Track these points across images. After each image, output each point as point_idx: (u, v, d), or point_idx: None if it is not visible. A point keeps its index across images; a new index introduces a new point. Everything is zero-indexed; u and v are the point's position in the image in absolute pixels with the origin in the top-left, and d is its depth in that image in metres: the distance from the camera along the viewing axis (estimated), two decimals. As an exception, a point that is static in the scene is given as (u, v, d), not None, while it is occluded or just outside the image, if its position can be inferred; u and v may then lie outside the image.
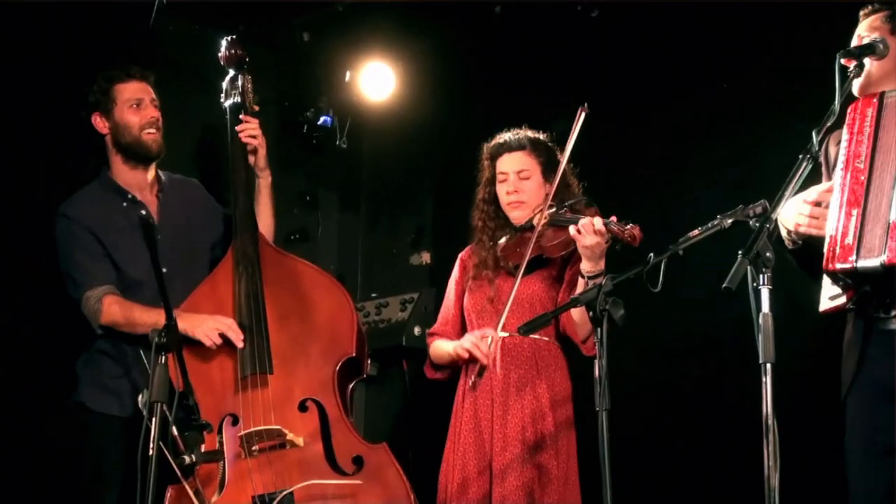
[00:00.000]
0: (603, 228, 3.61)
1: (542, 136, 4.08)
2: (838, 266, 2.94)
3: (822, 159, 3.18)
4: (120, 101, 4.10)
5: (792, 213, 3.08)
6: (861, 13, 3.29)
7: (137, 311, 3.89)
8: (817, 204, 3.06)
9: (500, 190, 4.04)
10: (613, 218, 3.65)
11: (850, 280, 2.97)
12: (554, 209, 3.89)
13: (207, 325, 3.86)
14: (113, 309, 3.91)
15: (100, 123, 4.13)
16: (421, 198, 5.83)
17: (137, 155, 4.13)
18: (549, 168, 4.00)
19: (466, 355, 3.88)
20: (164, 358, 3.27)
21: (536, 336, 3.89)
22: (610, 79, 4.95)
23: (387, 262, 5.88)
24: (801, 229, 3.06)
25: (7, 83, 4.36)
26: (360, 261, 5.94)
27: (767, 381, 2.62)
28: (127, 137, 4.11)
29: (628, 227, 3.59)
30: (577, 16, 4.91)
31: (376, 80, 5.49)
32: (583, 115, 3.84)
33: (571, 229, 3.67)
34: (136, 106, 4.10)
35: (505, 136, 4.08)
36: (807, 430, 3.78)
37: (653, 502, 4.46)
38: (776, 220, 3.02)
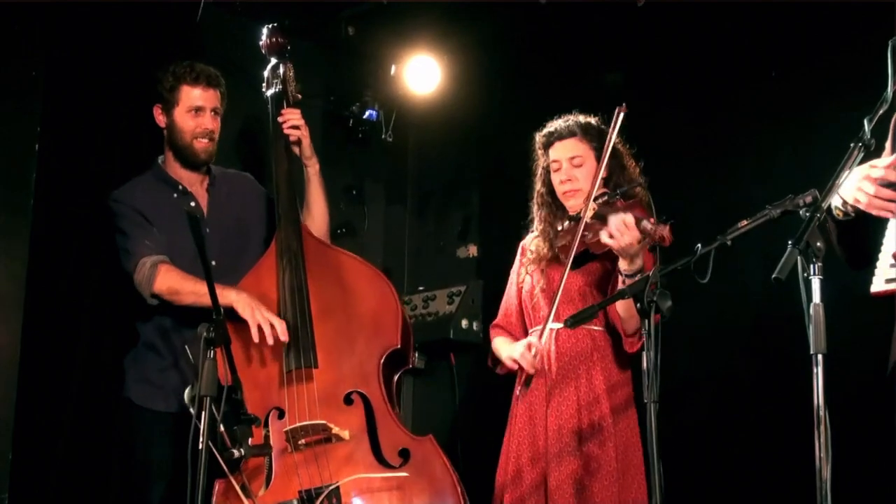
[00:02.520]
0: (632, 222, 3.55)
1: (593, 121, 4.03)
2: None
3: (891, 131, 3.10)
4: (181, 103, 4.11)
5: (852, 186, 2.99)
6: None
7: (192, 280, 3.88)
8: (883, 183, 2.97)
9: (555, 179, 4.01)
10: (652, 219, 3.58)
11: None
12: (605, 197, 3.85)
13: (264, 313, 3.85)
14: (169, 276, 3.92)
15: (159, 117, 4.17)
16: (467, 190, 5.83)
17: (185, 159, 4.17)
18: (602, 152, 3.92)
19: (515, 366, 3.91)
20: (212, 352, 3.28)
21: (592, 327, 3.88)
22: (657, 68, 4.91)
23: (433, 256, 5.88)
24: (861, 206, 2.97)
25: (58, 76, 4.41)
26: (406, 254, 5.95)
27: (818, 371, 2.59)
28: (179, 141, 4.14)
29: (659, 227, 3.51)
30: (624, 4, 4.88)
31: (421, 74, 5.50)
32: (621, 115, 3.81)
33: (603, 234, 3.63)
34: (196, 112, 4.12)
35: (555, 124, 4.04)
36: (858, 420, 3.73)
37: (703, 493, 4.42)
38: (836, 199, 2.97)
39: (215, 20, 4.95)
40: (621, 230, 3.57)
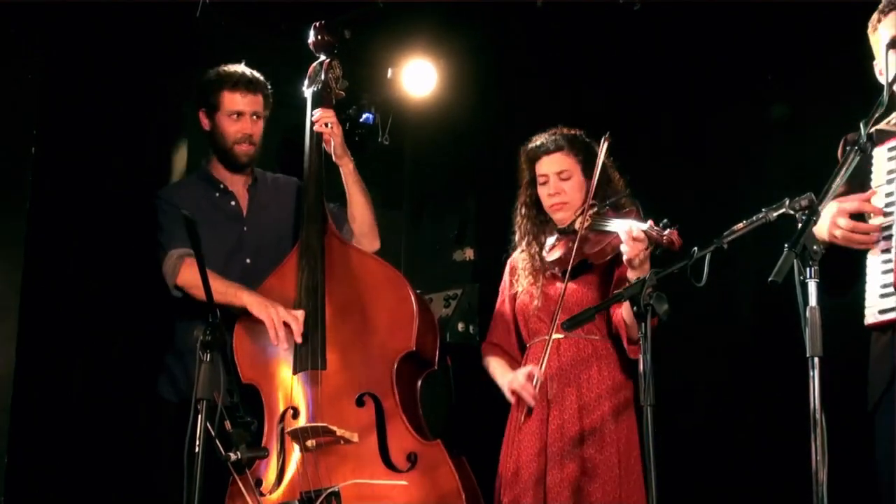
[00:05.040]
0: (642, 235, 3.55)
1: (578, 133, 4.04)
2: None
3: (840, 154, 3.13)
4: (222, 108, 4.20)
5: (826, 223, 3.03)
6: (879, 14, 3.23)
7: (213, 279, 3.82)
8: (856, 215, 3.00)
9: (542, 192, 4.02)
10: (650, 222, 3.58)
11: None
12: (595, 209, 3.86)
13: (280, 311, 3.88)
14: (192, 270, 3.90)
15: (204, 121, 4.25)
16: (463, 193, 5.83)
17: (227, 162, 4.26)
18: (588, 165, 3.96)
19: (514, 399, 3.90)
20: (208, 355, 3.27)
21: (593, 336, 3.87)
22: (653, 73, 4.92)
23: (430, 259, 5.88)
24: (839, 242, 3.01)
25: (55, 79, 4.40)
26: (402, 257, 5.94)
27: (815, 375, 2.59)
28: (221, 145, 4.24)
29: (666, 231, 3.52)
30: (620, 10, 4.88)
31: (418, 77, 5.50)
32: (606, 144, 3.84)
33: (623, 237, 3.60)
34: (236, 117, 4.19)
35: (541, 138, 4.05)
36: (855, 424, 3.74)
37: (701, 495, 4.43)
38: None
39: (213, 23, 4.94)
40: (628, 240, 3.56)
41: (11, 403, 4.08)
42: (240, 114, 4.19)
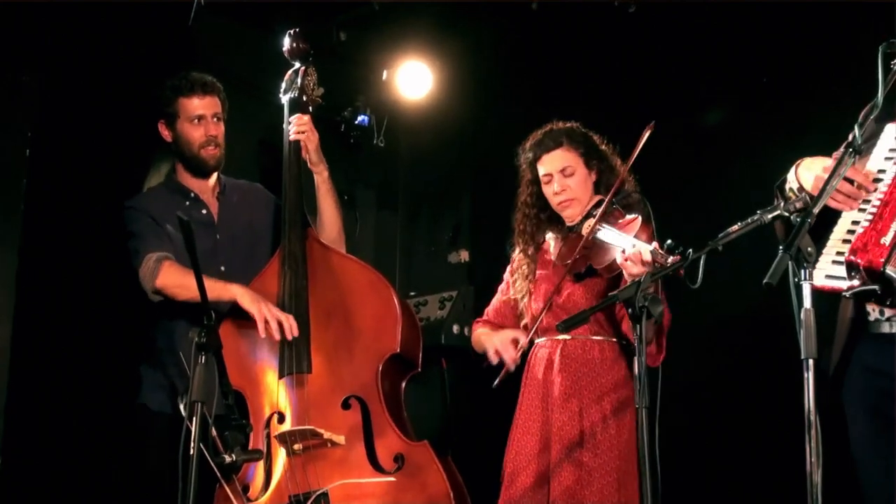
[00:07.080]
0: (650, 259, 3.48)
1: (574, 126, 3.99)
2: (860, 261, 2.88)
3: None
4: (182, 115, 4.17)
5: (812, 174, 3.02)
6: None
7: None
8: (847, 180, 2.99)
9: (548, 192, 3.96)
10: (655, 244, 3.49)
11: (867, 277, 2.92)
12: (602, 207, 3.80)
13: (272, 309, 3.88)
14: (172, 270, 3.94)
15: (165, 132, 4.22)
16: (458, 195, 5.84)
17: (195, 168, 4.23)
18: (589, 156, 3.93)
19: (496, 358, 3.87)
20: (203, 358, 3.27)
21: (600, 337, 3.85)
22: (648, 74, 4.92)
23: (425, 261, 5.89)
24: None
25: (51, 82, 4.40)
26: (398, 259, 5.95)
27: (809, 376, 2.59)
28: (186, 152, 4.20)
29: (670, 259, 3.34)
30: (615, 12, 4.89)
31: (413, 79, 5.51)
32: (648, 132, 3.73)
33: (619, 256, 3.56)
34: (197, 121, 4.17)
35: (539, 137, 4.00)
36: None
37: (697, 496, 4.43)
38: (791, 173, 3.02)
39: (209, 25, 4.94)
40: (636, 261, 3.51)
41: (6, 404, 4.07)
42: (200, 117, 4.17)
